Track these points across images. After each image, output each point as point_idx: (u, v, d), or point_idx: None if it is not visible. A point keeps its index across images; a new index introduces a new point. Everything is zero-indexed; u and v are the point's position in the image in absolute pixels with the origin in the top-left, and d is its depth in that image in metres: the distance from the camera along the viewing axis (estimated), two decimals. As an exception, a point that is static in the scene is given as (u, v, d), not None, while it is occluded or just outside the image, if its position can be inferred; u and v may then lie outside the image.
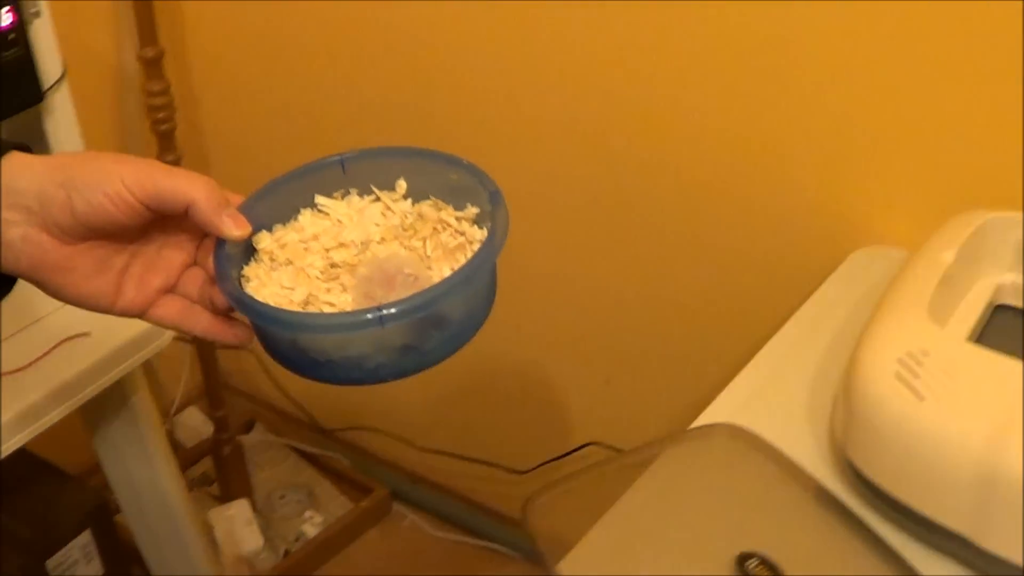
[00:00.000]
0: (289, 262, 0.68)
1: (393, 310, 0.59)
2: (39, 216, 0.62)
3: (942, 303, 0.86)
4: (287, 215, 0.71)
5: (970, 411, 0.75)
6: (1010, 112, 1.00)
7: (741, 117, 1.17)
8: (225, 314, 0.68)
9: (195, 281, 0.69)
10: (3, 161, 0.63)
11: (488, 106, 1.36)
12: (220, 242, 0.66)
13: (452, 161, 0.70)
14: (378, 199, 0.72)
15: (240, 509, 1.82)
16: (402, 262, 0.67)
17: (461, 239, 0.68)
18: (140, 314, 0.68)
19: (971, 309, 0.90)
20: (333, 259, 0.69)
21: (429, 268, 0.68)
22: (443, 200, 0.70)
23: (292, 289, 0.66)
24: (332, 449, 1.97)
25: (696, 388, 1.33)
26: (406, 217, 0.71)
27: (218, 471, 1.90)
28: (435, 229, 0.69)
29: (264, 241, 0.69)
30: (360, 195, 0.72)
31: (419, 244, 0.69)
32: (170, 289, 0.69)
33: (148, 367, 1.25)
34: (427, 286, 0.62)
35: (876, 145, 1.11)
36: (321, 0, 1.45)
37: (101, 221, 0.63)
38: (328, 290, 0.67)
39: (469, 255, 0.66)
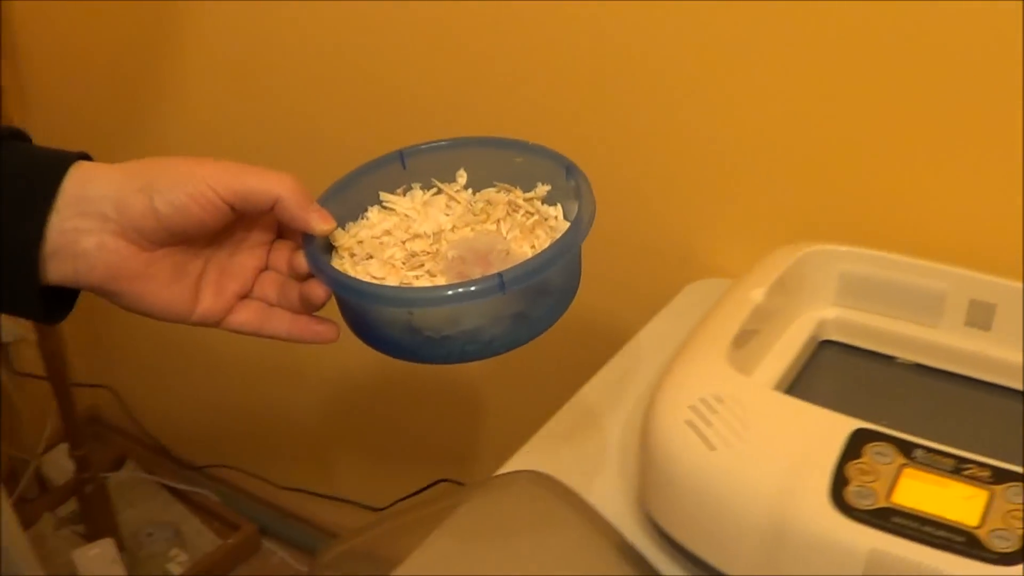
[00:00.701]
0: (370, 256, 0.70)
1: (514, 274, 0.62)
2: (116, 223, 0.61)
3: (753, 343, 0.85)
4: (355, 213, 0.73)
5: (762, 461, 0.73)
6: (844, 145, 1.01)
7: (580, 137, 1.15)
8: (306, 313, 0.69)
9: (271, 284, 0.69)
10: (73, 170, 0.61)
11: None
12: (308, 238, 0.67)
13: (516, 145, 0.73)
14: (440, 191, 0.74)
15: (104, 548, 1.76)
16: (492, 239, 0.70)
17: (535, 217, 0.71)
18: (218, 322, 0.68)
19: (788, 347, 0.89)
20: (411, 249, 0.71)
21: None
22: (508, 184, 0.74)
23: (383, 279, 0.68)
24: (201, 485, 1.93)
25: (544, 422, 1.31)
26: (473, 204, 0.74)
27: (82, 510, 1.85)
28: (508, 211, 0.72)
29: (342, 238, 0.70)
30: (423, 189, 0.75)
31: (493, 227, 0.71)
32: (246, 295, 0.69)
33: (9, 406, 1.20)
34: (521, 260, 0.65)
35: (717, 172, 1.10)
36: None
37: (185, 223, 0.63)
38: (417, 277, 0.69)
39: (547, 232, 0.70)
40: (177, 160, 0.63)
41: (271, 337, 0.69)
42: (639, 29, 1.06)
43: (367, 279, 0.67)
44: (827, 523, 0.68)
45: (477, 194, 0.74)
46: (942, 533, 0.67)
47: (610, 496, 0.85)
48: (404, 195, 0.74)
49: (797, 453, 0.72)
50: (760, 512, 0.71)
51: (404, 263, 0.70)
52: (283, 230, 0.70)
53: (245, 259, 0.69)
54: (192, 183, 0.62)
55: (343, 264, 0.69)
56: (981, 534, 0.66)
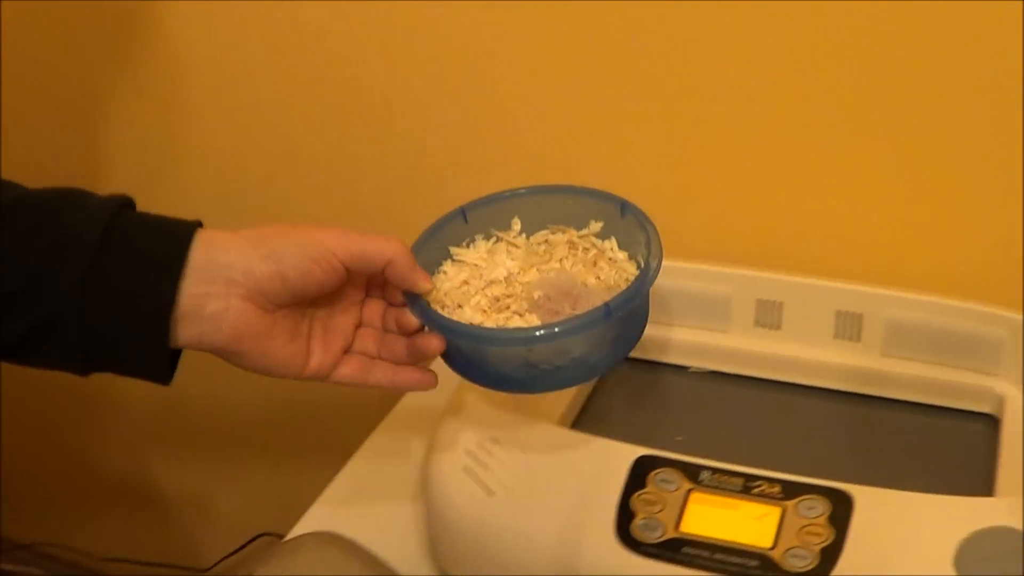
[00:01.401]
0: (459, 305, 0.76)
1: (618, 302, 0.69)
2: (243, 287, 0.66)
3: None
4: (431, 269, 0.78)
5: (543, 502, 0.72)
6: (618, 145, 1.03)
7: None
8: (415, 363, 0.74)
9: (370, 338, 0.75)
10: (197, 237, 0.66)
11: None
12: (412, 297, 0.72)
13: (565, 189, 0.81)
14: (499, 240, 0.80)
15: None
16: (570, 277, 0.76)
17: (594, 251, 0.79)
18: (327, 376, 0.73)
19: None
20: (492, 295, 0.76)
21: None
22: (562, 225, 0.81)
23: (481, 324, 0.74)
24: (28, 563, 1.75)
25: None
26: (531, 247, 0.80)
27: None
28: (569, 250, 0.79)
29: (432, 294, 0.75)
30: (484, 239, 0.81)
31: (557, 265, 0.78)
32: (348, 349, 0.74)
33: None
34: (597, 292, 0.73)
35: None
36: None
37: (307, 285, 0.68)
38: (507, 319, 0.74)
39: (608, 263, 0.78)
40: (297, 228, 0.69)
41: (375, 387, 0.74)
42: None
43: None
44: (614, 561, 0.67)
45: (531, 237, 0.81)
46: (735, 560, 0.66)
47: (405, 552, 0.82)
48: (468, 247, 0.80)
49: (580, 490, 0.71)
50: (545, 556, 0.69)
51: (490, 307, 0.76)
52: (371, 289, 0.76)
53: (345, 316, 0.74)
54: (315, 249, 0.67)
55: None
56: (775, 555, 0.65)
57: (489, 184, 0.82)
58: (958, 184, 0.94)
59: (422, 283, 0.71)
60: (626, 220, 0.78)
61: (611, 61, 1.01)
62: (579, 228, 0.81)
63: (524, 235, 0.81)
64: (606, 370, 0.74)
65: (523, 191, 0.81)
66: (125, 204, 0.67)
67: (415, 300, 0.73)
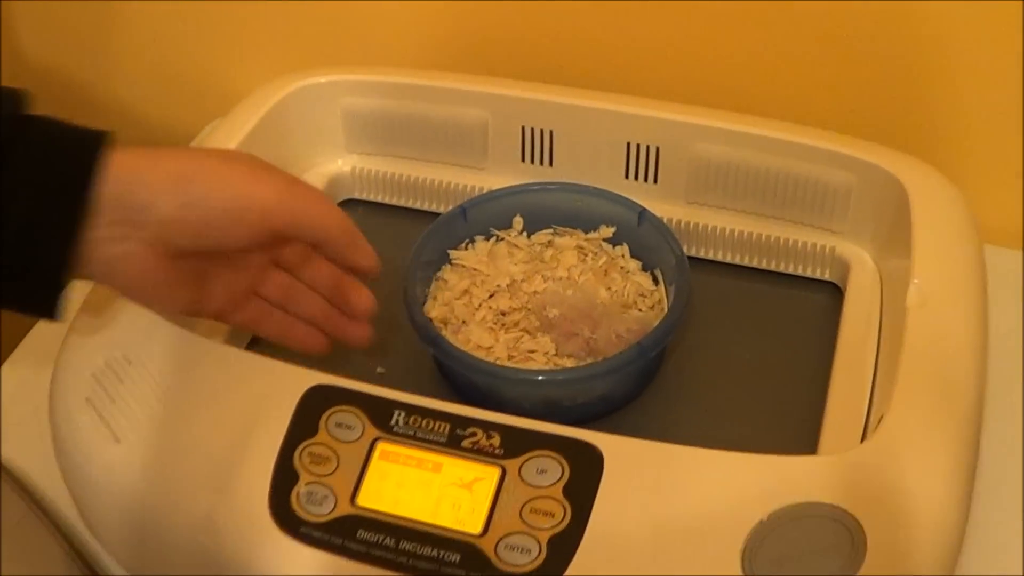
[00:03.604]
0: (464, 322, 0.69)
1: (652, 340, 0.63)
2: (150, 232, 0.53)
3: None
4: (430, 275, 0.71)
5: (181, 457, 0.54)
6: None
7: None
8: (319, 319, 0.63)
9: (277, 284, 0.62)
10: (110, 163, 0.52)
11: None
12: (424, 329, 0.65)
13: (576, 189, 0.73)
14: (500, 239, 0.73)
15: None
16: (588, 295, 0.70)
17: (604, 258, 0.72)
18: (224, 320, 0.62)
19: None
20: (498, 308, 0.70)
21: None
22: (568, 227, 0.74)
23: (490, 348, 0.67)
24: None
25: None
26: (534, 248, 0.73)
27: None
28: (579, 257, 0.72)
29: (434, 309, 0.69)
30: (485, 239, 0.73)
31: (565, 274, 0.71)
32: (252, 293, 0.62)
33: None
34: (614, 313, 0.68)
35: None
36: None
37: (225, 243, 0.56)
38: (518, 340, 0.68)
39: (621, 273, 0.71)
40: (233, 168, 0.56)
41: (271, 338, 0.62)
42: None
43: (477, 351, 0.67)
44: (266, 550, 0.49)
45: (532, 237, 0.74)
46: (428, 552, 0.48)
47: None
48: (468, 249, 0.73)
49: (231, 438, 0.53)
50: (187, 533, 0.52)
51: (496, 323, 0.69)
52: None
53: (256, 257, 0.61)
54: (248, 210, 0.55)
55: (444, 336, 0.67)
56: (485, 546, 0.48)
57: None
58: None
59: (363, 260, 0.60)
60: (643, 230, 0.71)
61: None
62: (587, 231, 0.74)
63: (525, 234, 0.74)
64: (629, 401, 0.68)
65: (532, 187, 0.74)
66: (16, 104, 0.54)
67: (429, 334, 0.65)
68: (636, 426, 0.65)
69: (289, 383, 0.55)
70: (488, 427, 0.52)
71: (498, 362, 0.66)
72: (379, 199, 0.81)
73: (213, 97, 0.98)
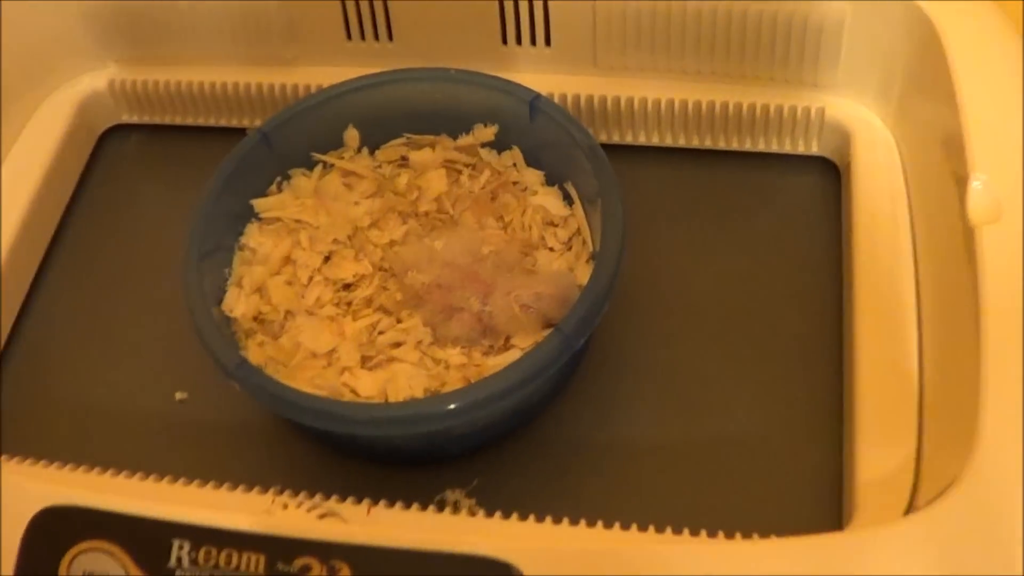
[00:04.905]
0: (290, 313, 0.45)
1: (575, 322, 0.40)
2: None
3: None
4: (224, 249, 0.46)
5: None
6: None
7: None
8: None
9: None
10: None
11: None
12: (195, 304, 0.42)
13: (428, 74, 0.49)
14: (328, 167, 0.49)
15: None
16: (467, 241, 0.45)
17: (488, 175, 0.49)
18: None
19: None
20: (337, 279, 0.46)
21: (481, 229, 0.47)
22: (428, 133, 0.50)
23: (327, 361, 0.43)
24: None
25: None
26: (380, 174, 0.49)
27: None
28: (451, 179, 0.49)
29: (238, 305, 0.45)
30: (307, 171, 0.49)
31: (431, 207, 0.48)
32: None
33: None
34: (513, 260, 0.45)
35: None
36: None
37: None
38: (375, 327, 0.44)
39: (516, 196, 0.48)
40: None
41: None
42: None
43: (312, 365, 0.43)
44: None
45: (377, 154, 0.50)
46: None
47: None
48: (280, 190, 0.49)
49: None
50: None
51: (340, 308, 0.45)
52: None
53: None
54: None
55: (259, 352, 0.44)
56: None
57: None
58: None
59: None
60: (539, 124, 0.47)
61: None
62: (456, 136, 0.50)
63: (366, 151, 0.50)
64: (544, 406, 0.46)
65: (366, 81, 0.49)
66: None
67: (224, 360, 0.41)
68: (562, 463, 0.44)
69: (9, 503, 0.36)
70: (329, 553, 0.33)
71: (346, 376, 0.43)
72: (158, 120, 0.58)
73: None
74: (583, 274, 0.44)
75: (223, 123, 0.56)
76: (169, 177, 0.55)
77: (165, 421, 0.46)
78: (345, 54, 0.53)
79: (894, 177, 0.47)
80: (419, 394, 0.42)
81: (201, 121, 0.56)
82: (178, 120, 0.57)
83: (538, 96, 0.47)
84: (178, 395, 0.47)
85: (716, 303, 0.47)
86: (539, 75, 0.51)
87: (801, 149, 0.51)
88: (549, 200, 0.48)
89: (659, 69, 0.51)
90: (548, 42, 0.51)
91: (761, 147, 0.51)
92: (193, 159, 0.54)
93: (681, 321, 0.47)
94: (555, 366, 0.40)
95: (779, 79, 0.50)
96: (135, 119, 0.58)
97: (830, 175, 0.51)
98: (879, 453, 0.38)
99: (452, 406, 0.39)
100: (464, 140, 0.49)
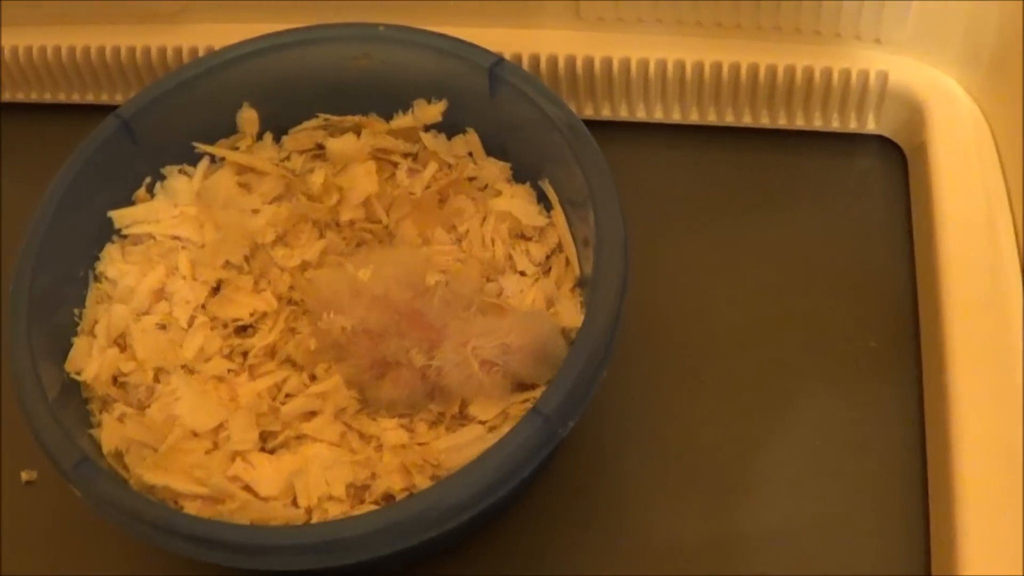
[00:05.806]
0: (163, 372, 0.34)
1: (557, 404, 0.29)
2: None
3: None
4: (77, 279, 0.36)
5: None
6: None
7: None
8: None
9: None
10: None
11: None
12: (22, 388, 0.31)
13: (354, 31, 0.38)
14: (217, 162, 0.39)
15: None
16: (408, 262, 0.35)
17: (435, 170, 0.38)
18: None
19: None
20: (231, 319, 0.35)
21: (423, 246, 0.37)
22: (352, 114, 0.39)
23: (212, 443, 0.32)
24: None
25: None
26: (286, 169, 0.38)
27: None
28: (384, 174, 0.38)
29: (91, 365, 0.34)
30: (188, 166, 0.38)
31: (356, 215, 0.37)
32: None
33: None
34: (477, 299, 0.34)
35: None
36: None
37: None
38: (279, 388, 0.33)
39: (473, 200, 0.37)
40: None
41: None
42: None
43: (190, 450, 0.32)
44: None
45: (283, 142, 0.39)
46: None
47: None
48: (151, 196, 0.37)
49: None
50: None
51: (234, 362, 0.34)
52: None
53: None
54: None
55: (110, 426, 0.33)
56: None
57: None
58: None
59: None
60: (502, 97, 0.36)
61: None
62: (390, 117, 0.38)
63: (270, 139, 0.39)
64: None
65: (271, 42, 0.38)
66: None
67: (54, 446, 0.30)
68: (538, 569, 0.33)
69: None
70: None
71: (239, 465, 0.32)
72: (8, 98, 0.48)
73: None
74: (568, 311, 0.33)
75: (90, 99, 0.44)
76: (17, 174, 0.43)
77: (10, 508, 0.37)
78: (245, 8, 0.42)
79: (987, 165, 0.36)
80: (339, 492, 0.31)
81: (63, 98, 0.45)
82: (34, 97, 0.45)
83: (500, 60, 0.37)
84: (24, 475, 0.37)
85: (750, 337, 0.36)
86: (503, 30, 0.41)
87: (854, 127, 0.41)
88: (518, 204, 0.37)
89: (663, 21, 0.41)
90: (513, -13, 0.40)
91: (800, 124, 0.42)
92: (51, 148, 0.41)
93: (703, 365, 0.36)
94: (533, 463, 0.28)
95: (825, 33, 0.40)
96: (23, 98, 0.49)
97: (893, 161, 0.41)
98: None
99: (382, 527, 0.27)
100: (401, 121, 0.39)
